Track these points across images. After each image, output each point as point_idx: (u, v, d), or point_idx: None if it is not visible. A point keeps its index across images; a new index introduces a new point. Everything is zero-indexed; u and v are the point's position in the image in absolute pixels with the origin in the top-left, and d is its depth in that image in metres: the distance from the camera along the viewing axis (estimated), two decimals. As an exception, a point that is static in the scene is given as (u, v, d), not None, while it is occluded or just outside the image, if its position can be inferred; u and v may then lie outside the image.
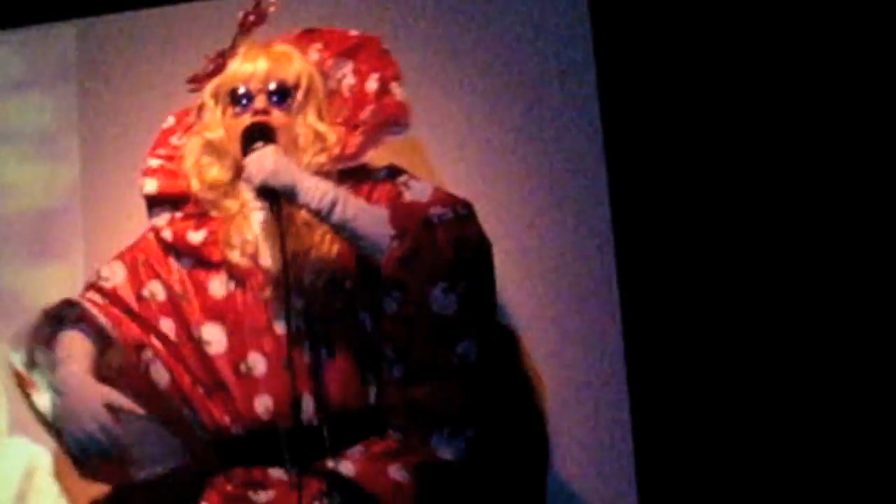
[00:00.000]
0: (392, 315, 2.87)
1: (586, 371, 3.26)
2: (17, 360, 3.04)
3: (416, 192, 3.00)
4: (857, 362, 3.21)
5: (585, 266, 3.31)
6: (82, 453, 2.90)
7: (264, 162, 2.88)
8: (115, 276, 3.10)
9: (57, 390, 2.94)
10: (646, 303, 3.28)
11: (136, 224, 3.53)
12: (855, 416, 3.18)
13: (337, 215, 2.89)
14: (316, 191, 2.89)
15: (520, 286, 3.28)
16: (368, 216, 2.92)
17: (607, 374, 3.25)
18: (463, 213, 2.96)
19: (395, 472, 2.90)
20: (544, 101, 3.39)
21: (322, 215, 2.90)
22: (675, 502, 3.22)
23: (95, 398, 2.89)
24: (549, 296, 3.30)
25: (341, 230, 2.92)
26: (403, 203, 2.96)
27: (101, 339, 3.03)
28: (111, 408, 2.90)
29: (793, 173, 3.32)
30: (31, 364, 3.03)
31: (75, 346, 2.99)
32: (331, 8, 3.47)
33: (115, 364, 3.06)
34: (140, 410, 2.96)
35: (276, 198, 2.88)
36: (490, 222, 3.19)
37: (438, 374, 2.86)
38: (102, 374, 3.00)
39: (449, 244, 2.89)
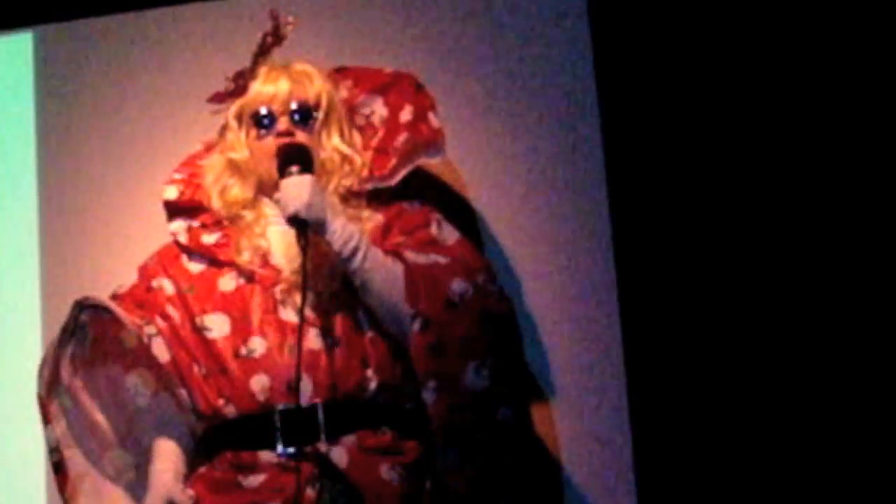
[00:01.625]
0: (433, 405, 2.94)
1: (586, 373, 3.32)
2: (41, 383, 3.04)
3: (444, 233, 3.09)
4: (857, 361, 3.26)
5: (584, 267, 3.36)
6: None
7: (302, 192, 2.93)
8: (128, 283, 3.16)
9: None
10: (645, 305, 3.32)
11: (95, 240, 3.60)
12: (854, 415, 3.24)
13: (356, 263, 2.96)
14: (343, 233, 2.96)
15: (516, 294, 3.31)
16: (384, 273, 2.98)
17: (607, 375, 3.31)
18: (482, 282, 3.03)
19: (386, 470, 2.96)
20: (543, 105, 3.45)
21: (341, 258, 2.97)
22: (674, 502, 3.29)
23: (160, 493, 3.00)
24: (548, 297, 3.36)
25: (354, 277, 2.98)
26: (418, 270, 2.99)
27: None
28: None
29: (792, 174, 3.35)
30: (53, 385, 3.04)
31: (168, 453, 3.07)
32: (326, 24, 3.51)
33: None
34: None
35: (305, 228, 2.94)
36: (488, 225, 3.33)
37: (488, 448, 2.97)
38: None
39: (474, 323, 2.98)
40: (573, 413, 3.31)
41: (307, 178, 2.96)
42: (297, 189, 2.94)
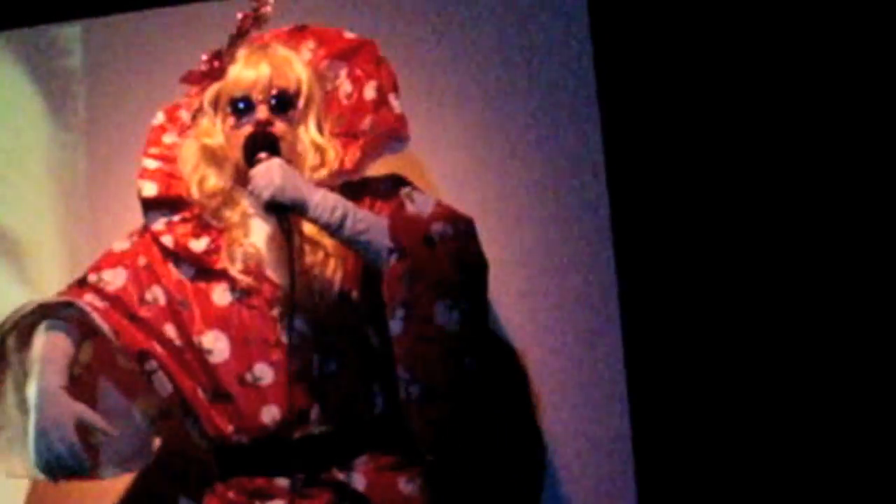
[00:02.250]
0: (399, 336, 2.86)
1: (586, 376, 3.28)
2: None
3: (419, 203, 3.00)
4: (857, 360, 3.23)
5: (585, 271, 3.32)
6: (48, 472, 2.89)
7: (272, 176, 2.86)
8: (117, 279, 3.06)
9: (31, 402, 2.91)
10: (645, 308, 3.30)
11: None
12: (855, 414, 3.21)
13: (348, 230, 2.89)
14: (325, 205, 2.89)
15: (518, 293, 3.30)
16: (378, 229, 2.92)
17: (607, 378, 3.27)
18: (463, 230, 2.97)
19: (404, 485, 2.92)
20: (543, 110, 3.40)
21: (332, 230, 2.90)
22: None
23: (68, 417, 2.87)
24: (548, 302, 3.32)
25: (353, 244, 2.92)
26: (403, 215, 2.96)
27: (81, 334, 3.01)
28: (82, 426, 2.89)
29: (792, 173, 3.32)
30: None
31: (56, 350, 2.96)
32: (326, 15, 3.43)
33: (84, 360, 3.06)
34: (113, 430, 2.96)
35: (286, 212, 2.88)
36: (488, 228, 3.19)
37: (454, 391, 2.88)
38: (73, 371, 2.99)
39: (450, 263, 2.90)
40: (573, 414, 3.27)
41: (275, 162, 2.89)
42: (268, 174, 2.87)
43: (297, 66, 3.04)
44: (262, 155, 2.91)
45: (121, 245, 3.13)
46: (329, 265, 2.97)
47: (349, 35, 3.14)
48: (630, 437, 3.21)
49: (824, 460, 3.19)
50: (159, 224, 3.08)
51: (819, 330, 3.24)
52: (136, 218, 3.34)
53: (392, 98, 3.04)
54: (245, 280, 2.98)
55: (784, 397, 3.23)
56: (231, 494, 2.94)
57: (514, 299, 3.28)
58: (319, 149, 3.01)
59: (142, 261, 3.07)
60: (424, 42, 3.45)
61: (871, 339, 3.22)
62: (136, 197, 3.35)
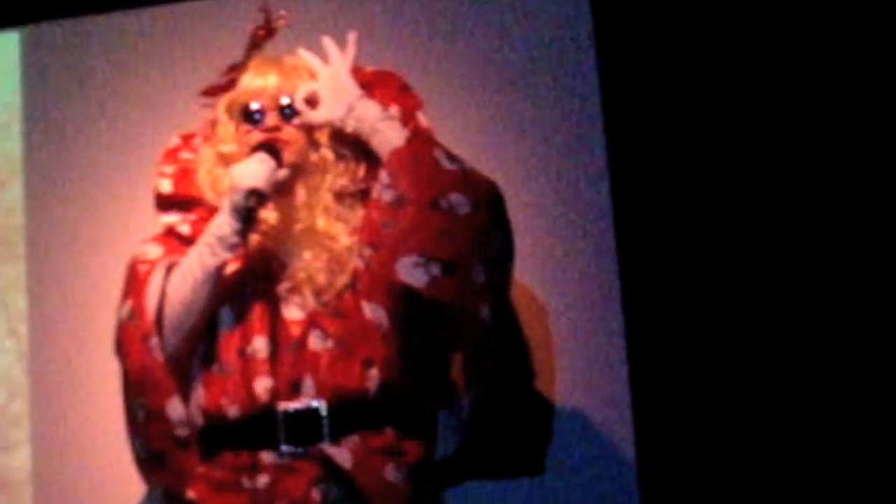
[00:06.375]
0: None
1: (588, 371, 3.34)
2: None
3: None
4: (858, 357, 3.27)
5: (586, 263, 3.38)
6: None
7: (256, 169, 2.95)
8: (153, 252, 3.09)
9: None
10: (647, 300, 3.34)
11: (81, 241, 3.63)
12: (855, 414, 3.25)
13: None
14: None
15: (519, 285, 3.28)
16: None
17: (608, 372, 3.32)
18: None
19: (391, 472, 2.92)
20: (545, 101, 3.47)
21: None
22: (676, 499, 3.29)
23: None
24: (550, 294, 3.37)
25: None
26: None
27: None
28: None
29: (793, 172, 3.36)
30: None
31: None
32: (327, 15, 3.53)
33: None
34: None
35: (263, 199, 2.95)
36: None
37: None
38: None
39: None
40: (574, 414, 3.32)
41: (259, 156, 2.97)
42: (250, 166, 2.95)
43: (304, 74, 3.08)
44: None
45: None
46: (342, 257, 3.00)
47: (369, 69, 3.16)
48: (632, 438, 3.27)
49: (825, 460, 3.24)
50: (174, 218, 3.12)
51: (821, 330, 3.28)
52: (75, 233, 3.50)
53: (419, 115, 3.10)
54: (260, 252, 3.03)
55: (786, 395, 3.27)
56: (217, 474, 2.94)
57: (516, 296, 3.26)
58: (341, 155, 3.06)
59: (173, 242, 3.10)
60: (427, 42, 3.52)
61: (873, 335, 3.26)
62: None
